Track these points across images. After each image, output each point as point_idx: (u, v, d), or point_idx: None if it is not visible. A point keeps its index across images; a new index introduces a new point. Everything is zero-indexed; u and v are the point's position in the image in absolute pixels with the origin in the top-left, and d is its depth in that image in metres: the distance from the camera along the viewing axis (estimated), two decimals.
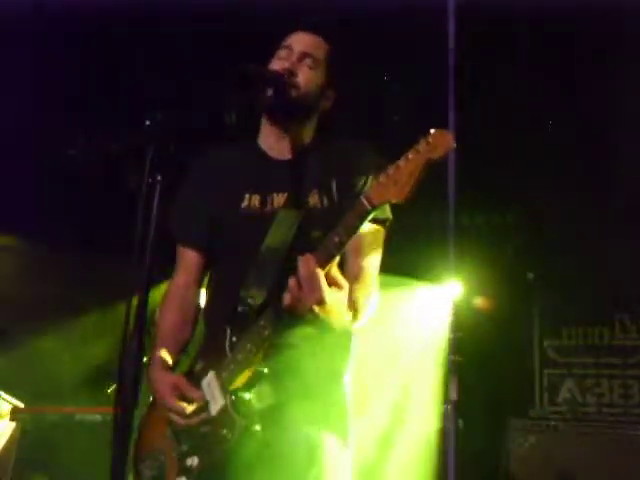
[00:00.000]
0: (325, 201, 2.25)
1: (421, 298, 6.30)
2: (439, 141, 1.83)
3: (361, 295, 2.17)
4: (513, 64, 4.81)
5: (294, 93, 2.25)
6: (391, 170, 1.86)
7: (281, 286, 1.98)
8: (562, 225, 6.04)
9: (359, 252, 2.24)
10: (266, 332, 2.02)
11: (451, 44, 4.82)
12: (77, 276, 5.95)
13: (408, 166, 1.84)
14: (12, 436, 4.23)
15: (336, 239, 1.92)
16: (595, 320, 6.38)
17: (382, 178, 1.87)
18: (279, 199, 2.27)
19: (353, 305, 2.11)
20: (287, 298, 1.93)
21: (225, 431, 2.03)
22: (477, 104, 5.02)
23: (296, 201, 2.25)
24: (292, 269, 1.95)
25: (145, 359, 2.10)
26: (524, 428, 5.34)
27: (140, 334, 1.75)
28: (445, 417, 5.64)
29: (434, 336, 6.24)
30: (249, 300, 2.12)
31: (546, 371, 6.48)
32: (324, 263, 1.92)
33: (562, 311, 6.46)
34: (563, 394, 6.36)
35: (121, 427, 1.72)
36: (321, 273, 1.91)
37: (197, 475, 2.09)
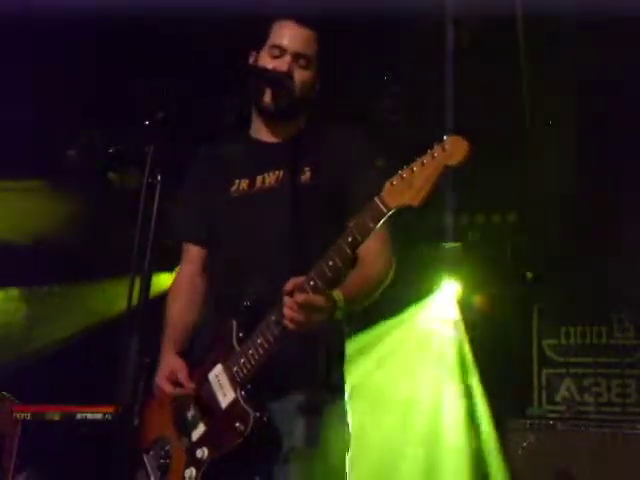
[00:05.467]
0: (318, 178, 2.26)
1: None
2: (455, 148, 1.80)
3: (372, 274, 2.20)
4: (513, 62, 4.82)
5: (291, 97, 2.27)
6: (405, 173, 1.84)
7: (285, 275, 2.00)
8: (561, 225, 6.05)
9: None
10: (278, 328, 2.02)
11: (450, 44, 4.83)
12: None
13: (423, 171, 1.82)
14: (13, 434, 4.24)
15: (349, 239, 1.91)
16: (593, 320, 6.39)
17: (395, 180, 1.85)
18: (270, 178, 2.30)
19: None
20: (287, 322, 1.95)
21: (238, 424, 2.04)
22: (476, 103, 5.03)
23: (289, 178, 2.26)
24: (294, 253, 1.99)
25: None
26: (523, 427, 5.35)
27: (141, 332, 1.76)
28: (444, 416, 5.67)
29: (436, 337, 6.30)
30: (255, 295, 2.14)
31: (544, 370, 6.49)
32: (337, 264, 1.93)
33: (560, 311, 6.48)
34: (561, 393, 6.37)
35: (122, 425, 1.74)
36: (315, 299, 1.93)
37: (207, 466, 2.10)
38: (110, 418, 4.09)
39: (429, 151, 1.83)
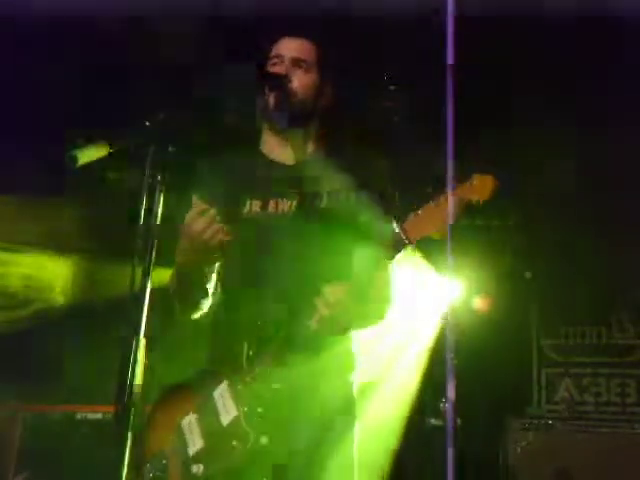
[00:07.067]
0: (331, 205, 2.27)
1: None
2: (482, 185, 1.96)
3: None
4: (513, 64, 4.82)
5: (292, 100, 2.28)
6: (430, 205, 1.96)
7: (300, 300, 2.03)
8: (560, 225, 6.05)
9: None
10: (287, 347, 2.04)
11: (450, 44, 4.83)
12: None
13: (447, 204, 1.93)
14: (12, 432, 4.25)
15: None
16: (593, 319, 6.40)
17: (421, 211, 1.96)
18: (282, 205, 2.30)
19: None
20: (316, 321, 1.99)
21: (235, 442, 2.04)
22: (476, 104, 5.03)
23: (302, 205, 2.27)
24: (308, 279, 2.03)
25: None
26: (522, 427, 5.35)
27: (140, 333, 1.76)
28: (444, 416, 5.66)
29: (432, 333, 6.26)
30: (268, 315, 2.15)
31: (544, 370, 6.50)
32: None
33: (560, 310, 6.48)
34: (561, 393, 6.37)
35: (122, 425, 1.74)
36: (348, 299, 1.96)
37: None
38: (110, 418, 4.10)
39: (457, 185, 1.95)
